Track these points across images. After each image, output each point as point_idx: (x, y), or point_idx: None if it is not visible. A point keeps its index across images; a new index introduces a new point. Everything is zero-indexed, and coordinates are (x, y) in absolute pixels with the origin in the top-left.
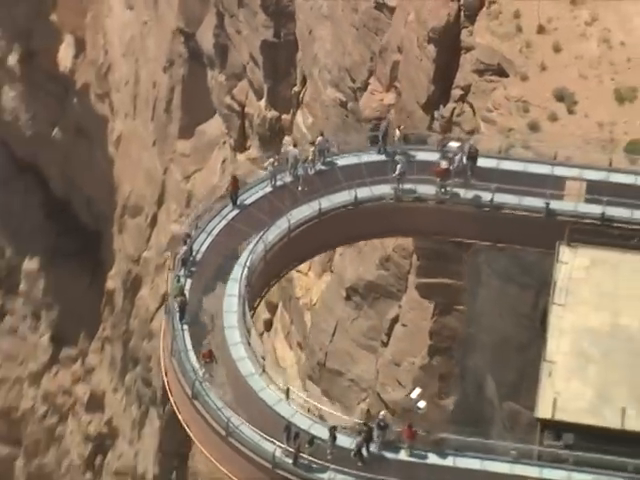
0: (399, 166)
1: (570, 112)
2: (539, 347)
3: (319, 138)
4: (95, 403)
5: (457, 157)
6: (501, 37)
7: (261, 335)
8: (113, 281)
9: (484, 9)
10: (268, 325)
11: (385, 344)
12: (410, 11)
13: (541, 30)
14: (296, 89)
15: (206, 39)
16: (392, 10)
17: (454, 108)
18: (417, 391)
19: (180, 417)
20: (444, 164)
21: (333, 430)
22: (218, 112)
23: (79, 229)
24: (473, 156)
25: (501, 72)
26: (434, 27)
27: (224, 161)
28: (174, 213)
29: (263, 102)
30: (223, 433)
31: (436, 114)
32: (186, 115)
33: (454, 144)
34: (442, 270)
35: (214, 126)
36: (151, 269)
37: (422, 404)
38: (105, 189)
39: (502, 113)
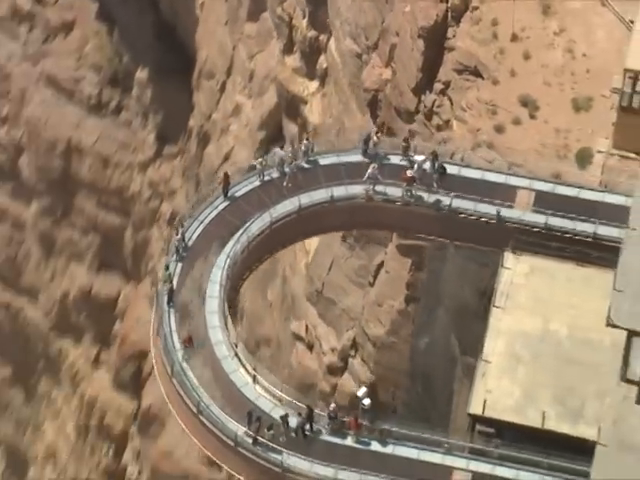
0: (369, 170)
1: (532, 117)
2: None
3: (304, 141)
4: None
5: (422, 166)
6: (479, 42)
7: None
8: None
9: (468, 12)
10: None
11: (371, 284)
12: (408, 3)
13: (514, 38)
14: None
15: None
16: None
17: (435, 100)
18: (363, 390)
19: (162, 388)
20: (410, 172)
21: (285, 417)
22: (271, 19)
23: (181, 51)
24: (441, 170)
25: (477, 74)
26: (423, 26)
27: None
28: (239, 85)
29: (305, 22)
30: (195, 410)
31: (423, 97)
32: (253, 2)
33: (419, 157)
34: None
35: None
36: (217, 130)
37: (367, 401)
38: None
39: (473, 114)
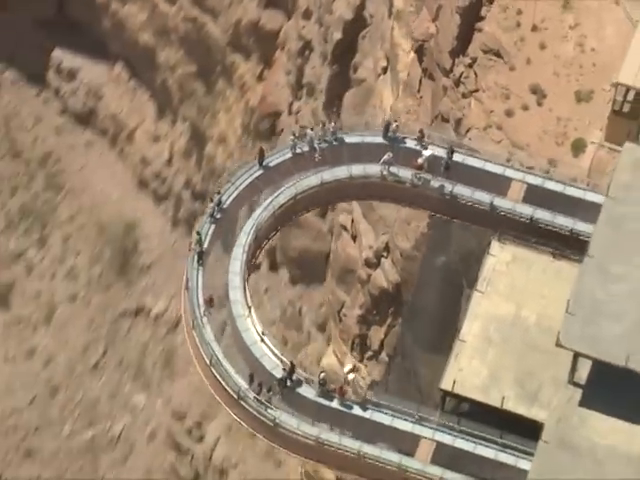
0: (385, 157)
1: (539, 104)
2: None
3: (332, 123)
4: None
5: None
6: (504, 29)
7: None
8: None
9: None
10: None
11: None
12: None
13: (534, 28)
14: None
15: None
16: None
17: (462, 72)
18: (349, 366)
19: (186, 333)
20: (420, 160)
21: (283, 380)
22: None
23: None
24: (449, 163)
25: (499, 55)
26: (459, 5)
27: None
28: None
29: None
30: (207, 362)
31: (456, 61)
32: None
33: (427, 152)
34: None
35: None
36: None
37: (351, 376)
38: None
39: (489, 96)
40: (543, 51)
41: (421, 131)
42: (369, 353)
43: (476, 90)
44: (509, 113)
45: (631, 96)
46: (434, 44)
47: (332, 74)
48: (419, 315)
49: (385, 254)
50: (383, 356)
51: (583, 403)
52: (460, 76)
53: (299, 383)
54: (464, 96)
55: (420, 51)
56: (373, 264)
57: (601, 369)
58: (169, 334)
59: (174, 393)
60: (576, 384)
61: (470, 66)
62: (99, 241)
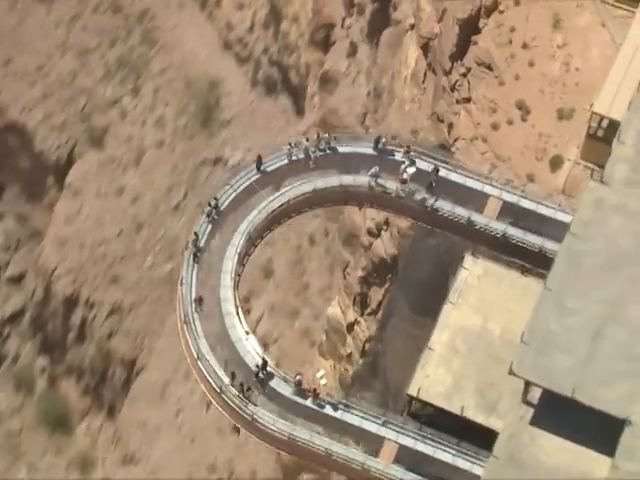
0: (372, 170)
1: (523, 120)
2: None
3: (326, 135)
4: None
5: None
6: (497, 44)
7: None
8: None
9: (496, 13)
10: None
11: None
12: None
13: (525, 46)
14: None
15: None
16: None
17: (457, 80)
18: (321, 372)
19: (178, 324)
20: (404, 176)
21: (261, 378)
22: None
23: None
24: (432, 182)
25: (490, 69)
26: (459, 18)
27: None
28: None
29: None
30: (195, 356)
31: (455, 64)
32: None
33: (411, 170)
34: None
35: None
36: None
37: (323, 381)
38: None
39: (478, 108)
40: (531, 68)
41: (408, 146)
42: (368, 310)
43: (468, 99)
44: (495, 126)
45: (605, 124)
46: (437, 44)
47: (374, 9)
48: (408, 283)
49: (385, 227)
50: (379, 316)
51: (534, 422)
52: (455, 83)
53: (271, 376)
54: (457, 102)
55: (426, 47)
56: (374, 234)
57: (552, 393)
58: None
59: None
60: (529, 403)
61: (464, 75)
62: (186, 94)
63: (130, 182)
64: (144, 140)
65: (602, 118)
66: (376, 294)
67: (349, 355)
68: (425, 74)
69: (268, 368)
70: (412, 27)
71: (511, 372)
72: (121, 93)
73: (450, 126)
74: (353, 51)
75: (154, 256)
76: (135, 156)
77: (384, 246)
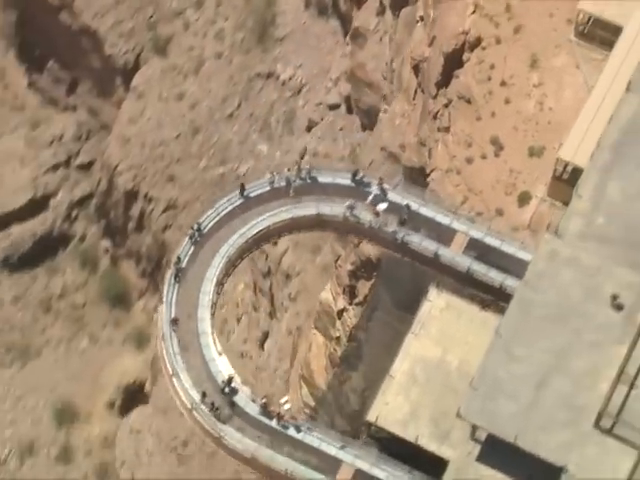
0: (347, 203)
1: (496, 155)
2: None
3: (307, 166)
4: None
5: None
6: (477, 80)
7: None
8: None
9: (479, 49)
10: None
11: None
12: (442, 25)
13: (503, 84)
14: None
15: None
16: None
17: (439, 110)
18: (285, 398)
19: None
20: (377, 209)
21: (229, 396)
22: None
23: None
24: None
25: (470, 103)
26: (444, 51)
27: None
28: None
29: None
30: (170, 372)
31: (440, 91)
32: None
33: (383, 206)
34: None
35: None
36: None
37: (287, 406)
38: None
39: (454, 141)
40: (507, 105)
41: (381, 179)
42: (356, 300)
43: (448, 128)
44: (469, 160)
45: (569, 169)
46: (426, 67)
47: None
48: (390, 282)
49: None
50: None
51: (480, 459)
52: (437, 112)
53: (235, 391)
54: (439, 130)
55: (416, 68)
56: None
57: None
58: (292, 97)
59: None
60: (476, 440)
61: (446, 106)
62: (245, 10)
63: (189, 89)
64: (204, 51)
65: (567, 164)
66: (363, 287)
67: (337, 338)
68: (415, 92)
69: (233, 384)
70: (422, 19)
71: (458, 415)
72: (185, 5)
73: (430, 152)
74: (382, 11)
75: (208, 159)
76: (195, 65)
77: (370, 247)
